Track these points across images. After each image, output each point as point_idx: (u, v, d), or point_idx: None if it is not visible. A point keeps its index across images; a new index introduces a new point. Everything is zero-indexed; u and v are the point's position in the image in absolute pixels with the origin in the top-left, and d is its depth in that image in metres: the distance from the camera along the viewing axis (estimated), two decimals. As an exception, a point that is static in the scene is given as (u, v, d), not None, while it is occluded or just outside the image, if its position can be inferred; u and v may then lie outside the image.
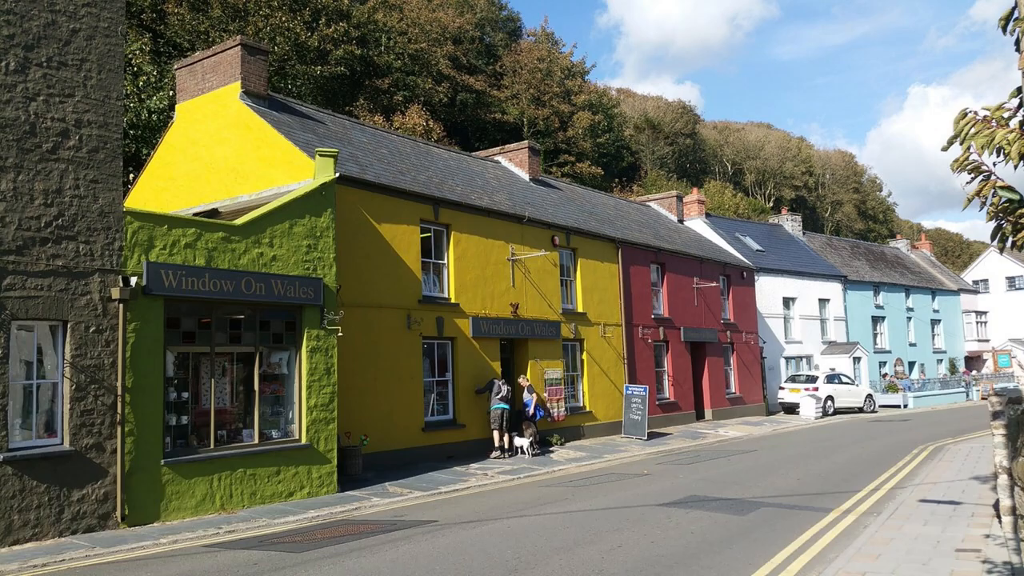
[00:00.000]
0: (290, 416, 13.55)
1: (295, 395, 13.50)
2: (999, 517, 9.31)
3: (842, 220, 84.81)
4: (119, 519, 10.73)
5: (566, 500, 12.81)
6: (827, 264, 41.67)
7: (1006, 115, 4.16)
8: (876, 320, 42.95)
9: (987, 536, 8.75)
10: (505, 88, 50.27)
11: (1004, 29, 4.20)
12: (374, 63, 39.91)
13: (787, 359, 36.06)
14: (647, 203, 35.22)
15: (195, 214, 15.83)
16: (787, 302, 36.98)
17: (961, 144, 4.23)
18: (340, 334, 14.10)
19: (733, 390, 30.65)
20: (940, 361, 47.53)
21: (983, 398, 34.73)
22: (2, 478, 9.70)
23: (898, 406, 36.00)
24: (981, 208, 4.33)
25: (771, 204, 72.69)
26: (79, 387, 10.49)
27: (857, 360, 38.36)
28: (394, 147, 21.00)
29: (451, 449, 17.90)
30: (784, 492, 13.01)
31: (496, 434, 18.28)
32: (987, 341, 51.32)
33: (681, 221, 34.62)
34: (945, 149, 4.43)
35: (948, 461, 16.05)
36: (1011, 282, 52.99)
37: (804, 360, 37.11)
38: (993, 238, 4.45)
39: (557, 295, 22.11)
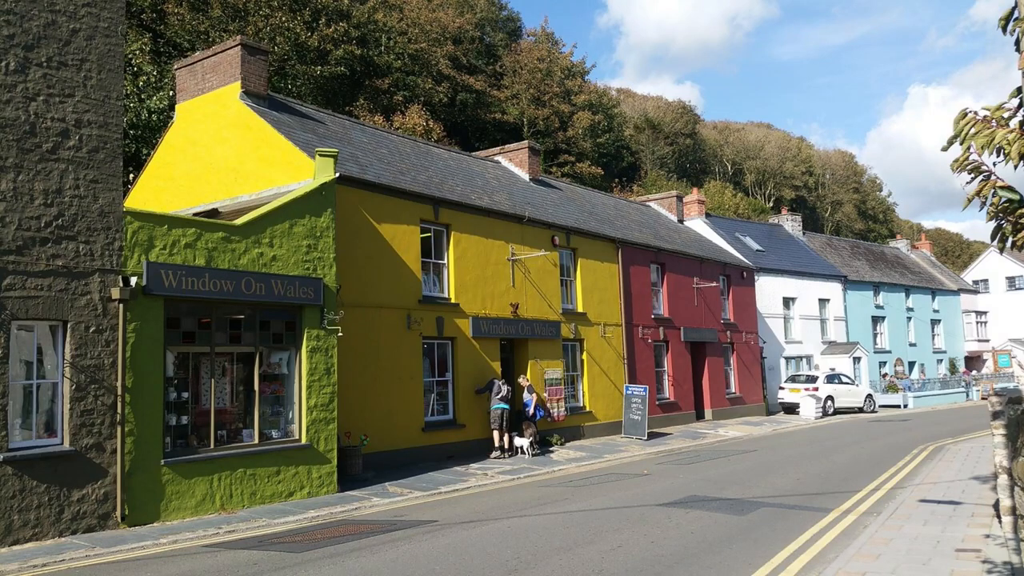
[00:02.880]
0: (290, 416, 13.55)
1: (295, 395, 13.50)
2: (999, 517, 9.31)
3: (842, 220, 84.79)
4: (119, 519, 10.73)
5: (566, 500, 12.81)
6: (827, 264, 41.67)
7: (1006, 115, 4.16)
8: (876, 320, 42.94)
9: (987, 536, 8.75)
10: (505, 88, 50.26)
11: (1004, 29, 4.20)
12: (374, 63, 39.90)
13: (787, 359, 36.05)
14: (647, 203, 35.20)
15: (195, 214, 15.83)
16: (787, 302, 36.98)
17: (961, 144, 4.22)
18: (340, 334, 14.10)
19: (733, 390, 30.65)
20: (940, 361, 47.52)
21: (983, 398, 34.73)
22: (2, 478, 9.70)
23: (898, 406, 35.99)
24: (981, 208, 4.33)
25: (771, 204, 72.70)
26: (79, 387, 10.49)
27: (857, 360, 38.35)
28: (394, 147, 21.00)
29: (451, 449, 17.90)
30: (784, 492, 13.01)
31: (496, 434, 18.29)
32: (987, 341, 51.30)
33: (681, 221, 34.61)
34: (945, 149, 4.43)
35: (948, 461, 16.04)
36: (1011, 282, 52.98)
37: (804, 360, 37.10)
38: (993, 238, 4.45)
39: (557, 295, 22.11)
